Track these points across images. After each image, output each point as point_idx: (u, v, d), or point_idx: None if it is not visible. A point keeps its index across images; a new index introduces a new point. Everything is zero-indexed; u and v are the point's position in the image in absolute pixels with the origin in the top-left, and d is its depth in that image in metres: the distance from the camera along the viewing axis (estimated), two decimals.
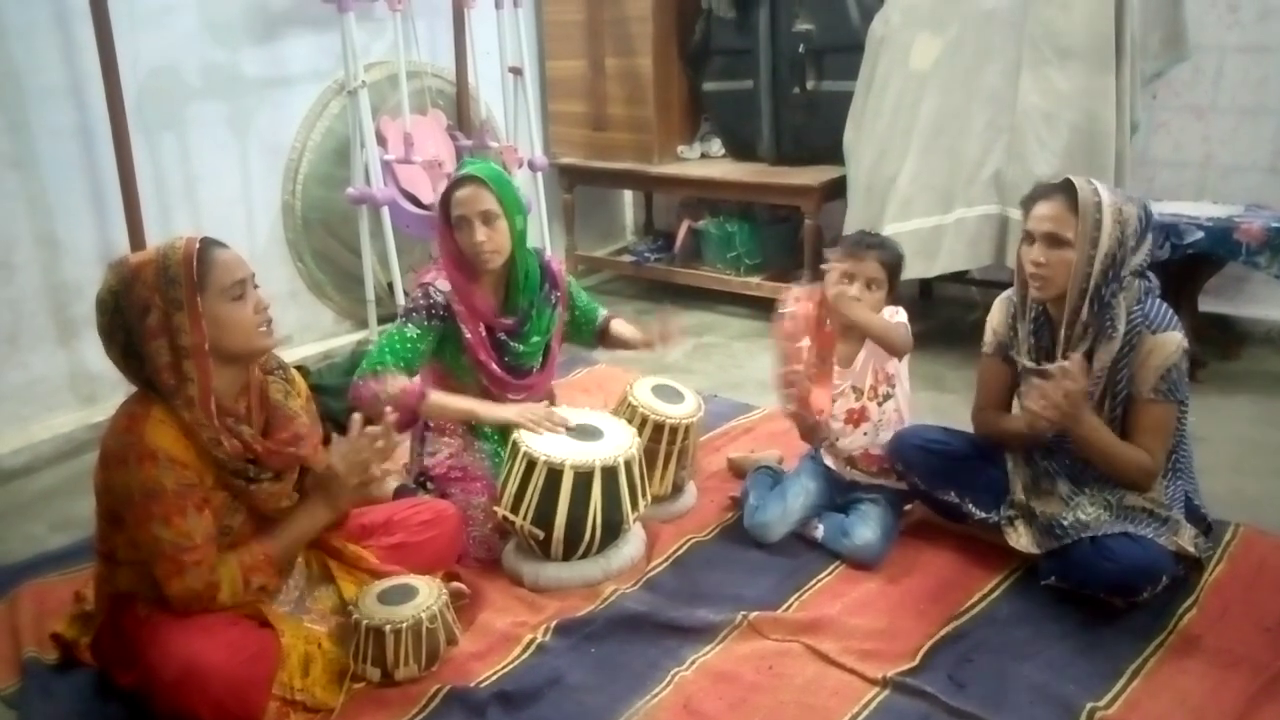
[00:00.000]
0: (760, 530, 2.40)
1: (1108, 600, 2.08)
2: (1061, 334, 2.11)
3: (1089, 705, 1.83)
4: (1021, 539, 2.20)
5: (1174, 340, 2.06)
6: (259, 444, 1.82)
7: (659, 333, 2.63)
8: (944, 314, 4.09)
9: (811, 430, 2.37)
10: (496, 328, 2.44)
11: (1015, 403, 2.33)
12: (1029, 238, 2.12)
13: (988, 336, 2.33)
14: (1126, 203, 2.07)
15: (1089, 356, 2.09)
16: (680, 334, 2.63)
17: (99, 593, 1.90)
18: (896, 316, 2.35)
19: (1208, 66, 3.63)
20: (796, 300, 2.27)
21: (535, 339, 2.52)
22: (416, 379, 2.38)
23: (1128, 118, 3.17)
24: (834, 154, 3.81)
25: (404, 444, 2.56)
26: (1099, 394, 2.11)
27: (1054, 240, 2.06)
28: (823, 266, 2.34)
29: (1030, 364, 2.18)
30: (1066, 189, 2.08)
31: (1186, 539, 2.11)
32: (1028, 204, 2.15)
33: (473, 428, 2.49)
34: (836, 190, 3.88)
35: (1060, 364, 2.01)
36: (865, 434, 2.40)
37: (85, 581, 2.04)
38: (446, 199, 2.37)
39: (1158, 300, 2.12)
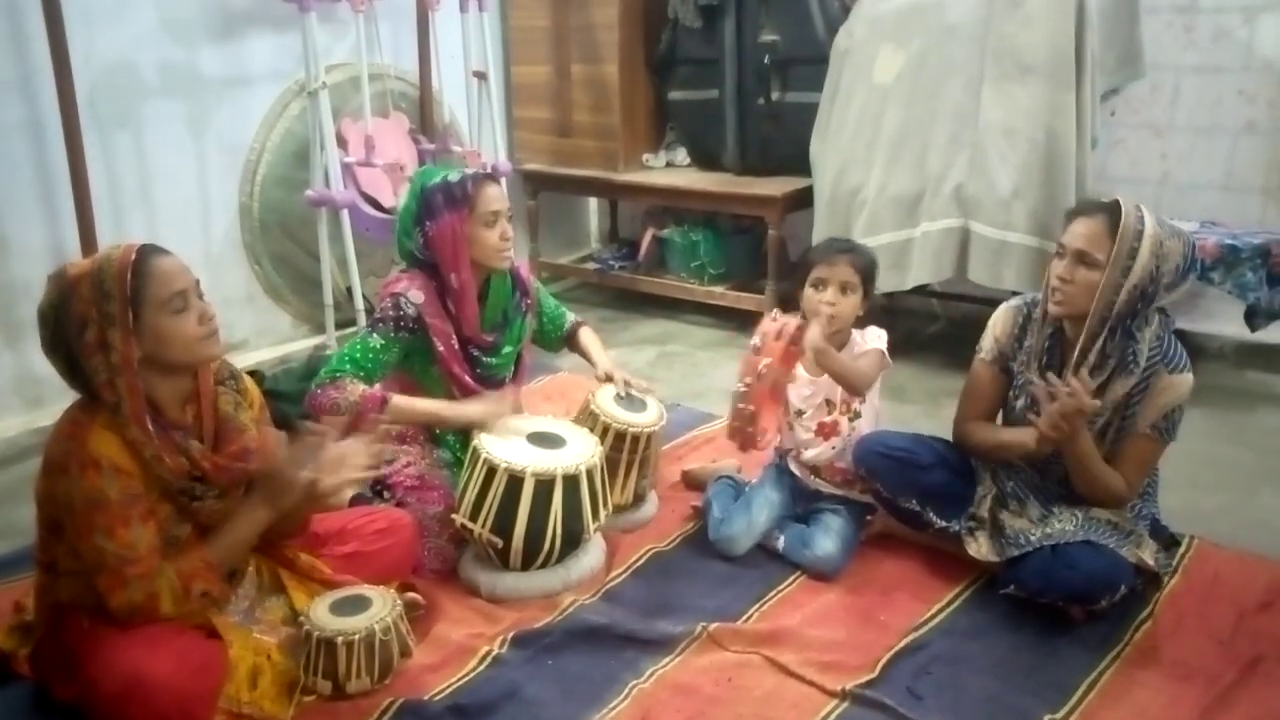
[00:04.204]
0: (727, 544, 2.38)
1: (1065, 609, 2.09)
2: (1074, 355, 2.08)
3: (1045, 717, 1.84)
4: (982, 548, 2.21)
5: (1187, 383, 2.07)
6: (207, 460, 1.77)
7: (606, 376, 2.57)
8: (905, 325, 4.10)
9: (747, 438, 2.29)
10: (477, 343, 2.41)
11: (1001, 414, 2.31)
12: (1061, 251, 2.09)
13: (987, 343, 2.28)
14: (1171, 238, 2.01)
15: (1103, 387, 2.07)
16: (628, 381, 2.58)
17: (39, 603, 1.84)
18: (879, 342, 2.34)
19: (1165, 85, 3.69)
20: (774, 320, 2.25)
21: (507, 349, 2.50)
22: (376, 386, 2.33)
23: (1088, 134, 3.21)
24: (799, 165, 3.82)
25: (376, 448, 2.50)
26: (1103, 424, 2.10)
27: (1083, 259, 2.03)
28: (799, 314, 2.29)
29: (1036, 379, 2.13)
30: (1112, 210, 2.03)
31: (1148, 553, 2.13)
32: (1070, 217, 2.12)
33: (433, 434, 2.45)
34: (801, 201, 3.88)
35: (1073, 383, 1.98)
36: (834, 448, 2.40)
37: (25, 591, 1.97)
38: (469, 197, 2.31)
39: (1174, 338, 2.10)
